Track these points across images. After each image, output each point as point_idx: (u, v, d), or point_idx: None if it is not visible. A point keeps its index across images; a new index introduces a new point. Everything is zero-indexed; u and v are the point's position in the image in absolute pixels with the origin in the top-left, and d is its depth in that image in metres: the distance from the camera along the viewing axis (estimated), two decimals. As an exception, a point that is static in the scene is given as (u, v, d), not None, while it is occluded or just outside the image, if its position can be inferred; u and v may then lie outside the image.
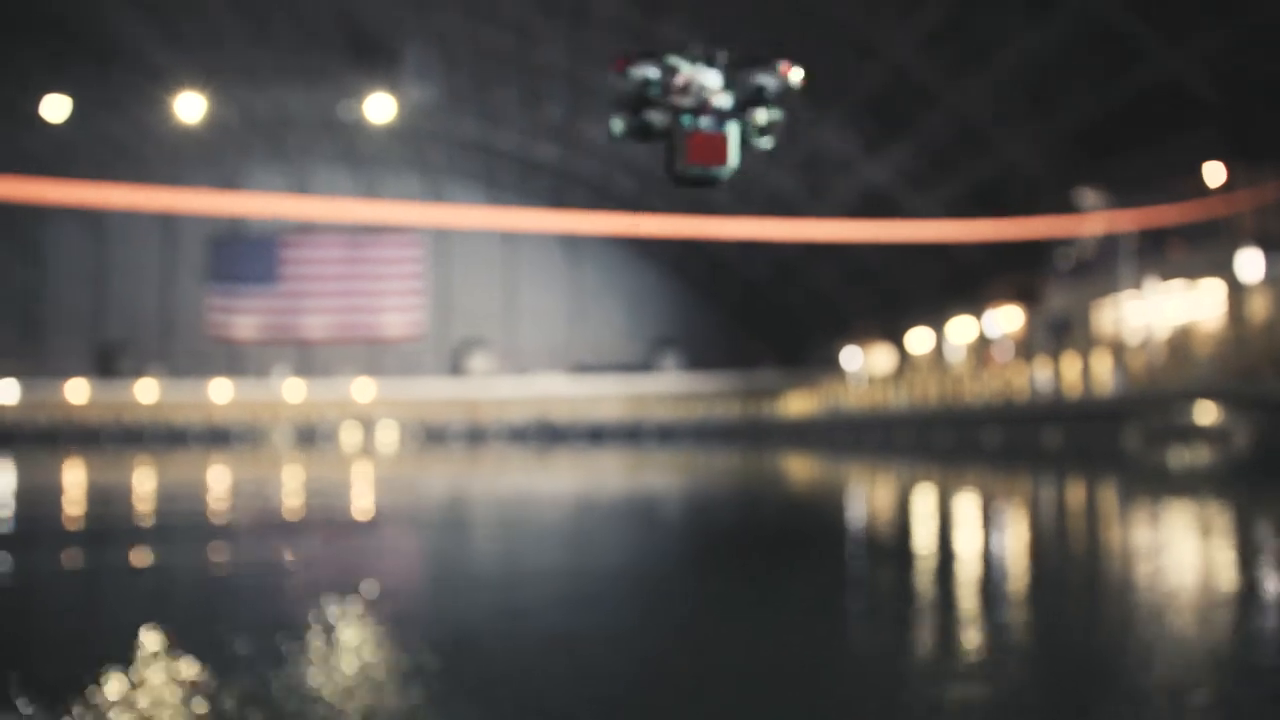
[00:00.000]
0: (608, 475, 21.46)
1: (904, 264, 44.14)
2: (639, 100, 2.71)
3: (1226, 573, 6.93)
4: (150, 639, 4.98)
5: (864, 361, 46.89)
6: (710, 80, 2.71)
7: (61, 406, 55.85)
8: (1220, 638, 4.89)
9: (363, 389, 58.64)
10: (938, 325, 42.48)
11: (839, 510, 13.03)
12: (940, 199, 37.87)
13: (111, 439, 51.65)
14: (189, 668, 4.35)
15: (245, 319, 58.03)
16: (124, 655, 4.54)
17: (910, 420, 34.86)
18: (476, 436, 54.08)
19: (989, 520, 10.65)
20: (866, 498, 14.52)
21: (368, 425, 55.77)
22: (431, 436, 54.21)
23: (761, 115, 2.72)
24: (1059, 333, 33.42)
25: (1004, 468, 20.58)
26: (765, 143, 2.72)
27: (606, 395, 59.18)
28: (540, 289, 65.59)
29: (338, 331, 58.54)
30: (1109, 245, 31.46)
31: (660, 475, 21.04)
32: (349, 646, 4.88)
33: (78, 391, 56.77)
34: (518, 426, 55.80)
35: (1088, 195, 30.72)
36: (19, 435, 51.51)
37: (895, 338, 46.41)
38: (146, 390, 57.24)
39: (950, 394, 34.44)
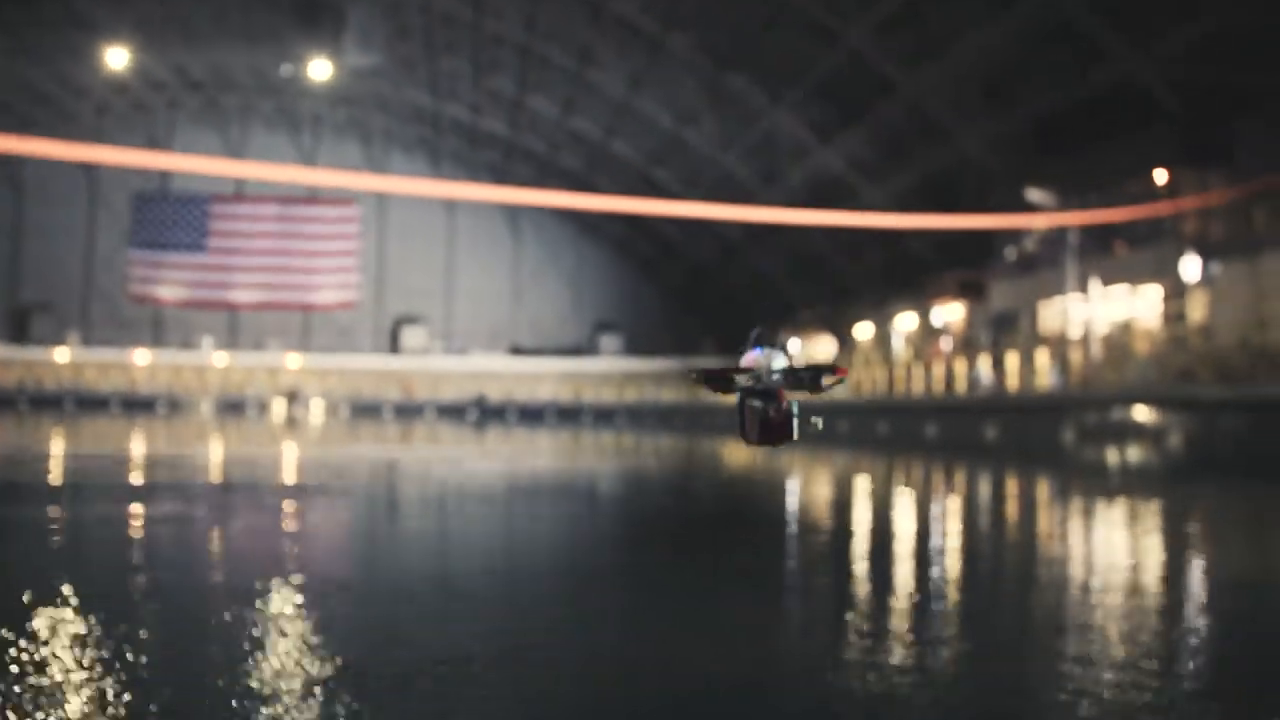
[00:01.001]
0: (539, 455, 20.90)
1: (850, 254, 43.97)
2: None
3: (1125, 560, 6.99)
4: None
5: (806, 350, 46.67)
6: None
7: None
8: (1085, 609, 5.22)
9: (293, 360, 57.11)
10: (881, 317, 42.39)
11: (766, 495, 12.57)
12: (891, 190, 37.67)
13: (27, 404, 49.54)
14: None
15: (170, 284, 55.75)
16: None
17: (851, 410, 34.69)
18: (411, 412, 52.96)
19: (911, 506, 10.54)
20: (797, 484, 14.08)
21: (298, 397, 54.29)
22: (364, 411, 52.99)
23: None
24: (1002, 329, 33.44)
25: (941, 459, 20.36)
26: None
27: (545, 374, 58.37)
28: (480, 268, 64.42)
29: (267, 297, 56.59)
30: (1055, 243, 31.50)
31: (593, 457, 20.53)
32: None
33: (-9, 352, 54.31)
34: (454, 403, 54.76)
35: (1037, 193, 30.69)
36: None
37: (838, 328, 46.26)
38: (64, 355, 54.91)
39: (892, 385, 34.30)
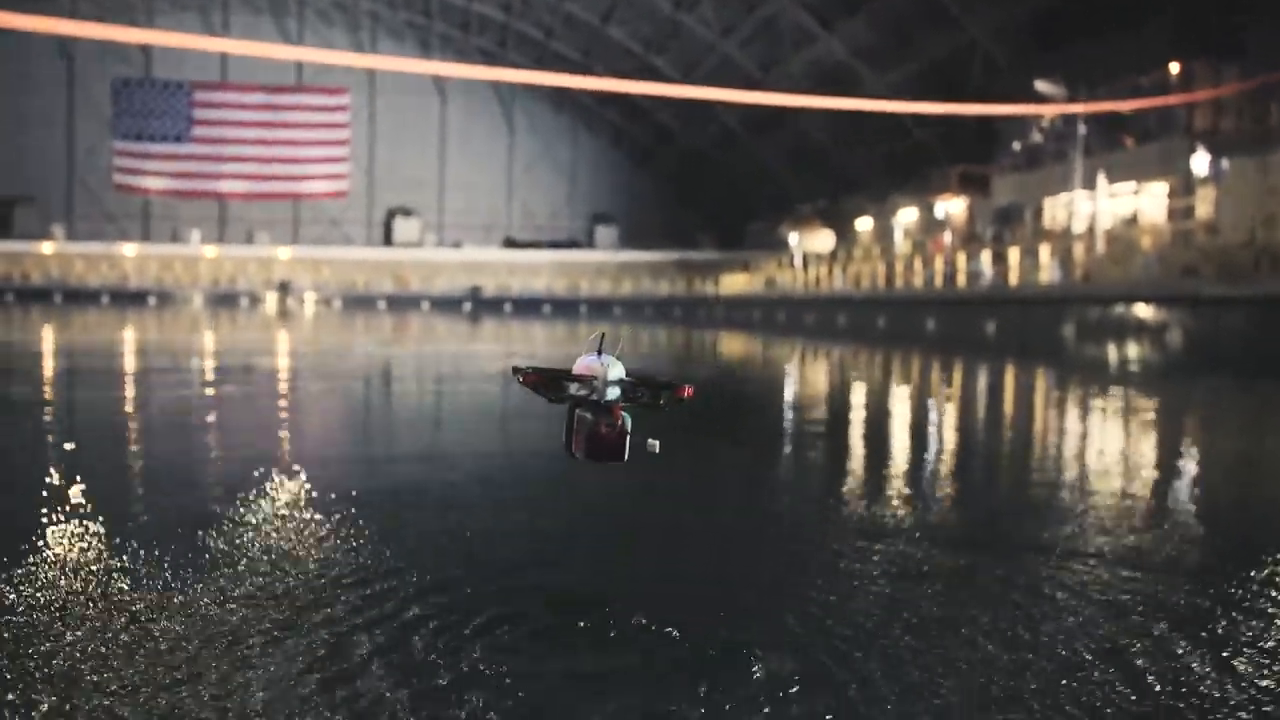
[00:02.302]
0: (535, 344, 20.72)
1: (852, 146, 43.18)
2: None
3: (1117, 445, 6.95)
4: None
5: (806, 243, 46.16)
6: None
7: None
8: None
9: (284, 252, 56.44)
10: (882, 211, 41.81)
11: (761, 385, 12.42)
12: (895, 79, 36.74)
13: (14, 297, 48.94)
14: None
15: (156, 175, 54.47)
16: None
17: (850, 303, 34.44)
18: (404, 304, 52.60)
19: (905, 395, 10.57)
20: (794, 374, 13.92)
21: (291, 289, 53.84)
22: (357, 303, 52.63)
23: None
24: (1004, 223, 33.01)
25: (939, 352, 20.18)
26: None
27: (540, 266, 57.86)
28: (473, 160, 63.28)
29: (256, 188, 55.44)
30: (1061, 137, 30.85)
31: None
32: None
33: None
34: (447, 295, 54.36)
35: (1045, 85, 29.90)
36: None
37: (837, 222, 45.69)
38: (50, 249, 53.98)
39: (891, 279, 33.99)
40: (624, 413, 2.28)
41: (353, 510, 3.91)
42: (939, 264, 31.59)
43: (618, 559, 3.53)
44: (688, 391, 2.35)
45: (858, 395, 10.59)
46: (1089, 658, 2.50)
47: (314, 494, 4.21)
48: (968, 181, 36.47)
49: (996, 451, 6.74)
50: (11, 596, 2.74)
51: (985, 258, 29.88)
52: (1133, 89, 27.86)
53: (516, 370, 2.34)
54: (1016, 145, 33.85)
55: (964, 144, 36.50)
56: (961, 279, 29.99)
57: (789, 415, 8.60)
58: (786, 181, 50.13)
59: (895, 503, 4.49)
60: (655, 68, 46.96)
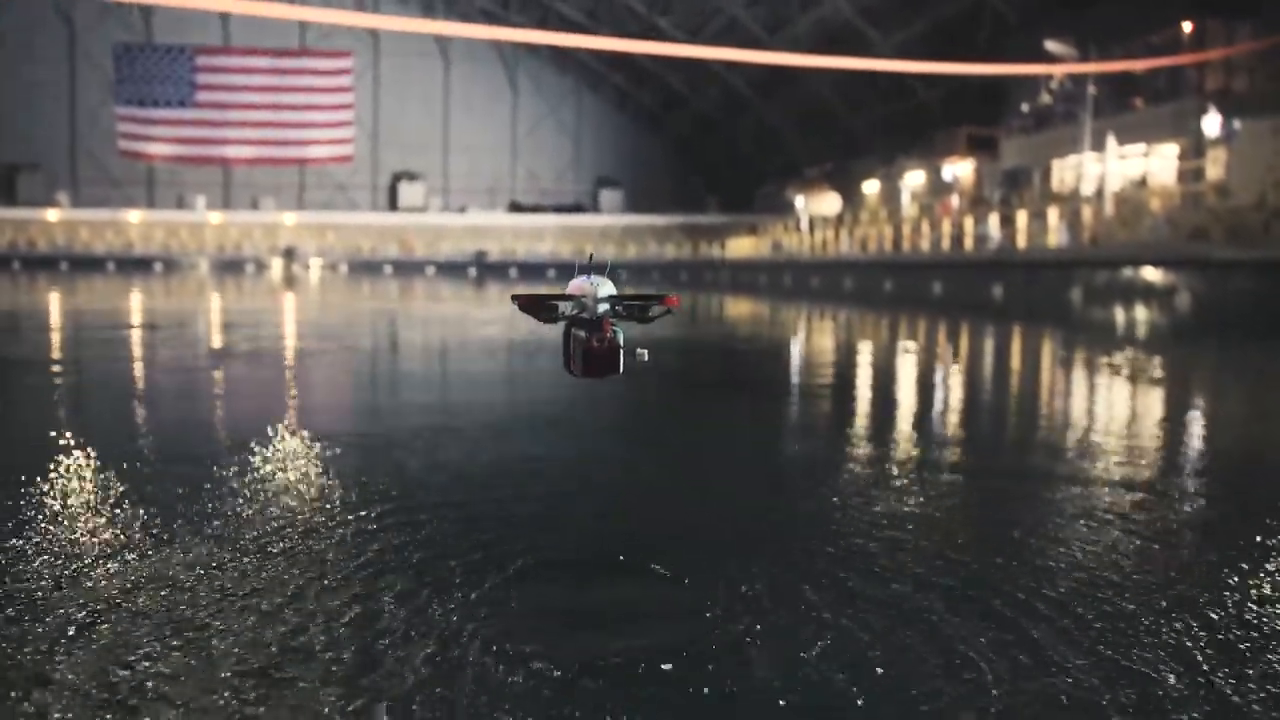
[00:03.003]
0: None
1: (859, 109, 42.83)
2: None
3: (1123, 405, 6.97)
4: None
5: (812, 206, 45.93)
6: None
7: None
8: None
9: (290, 218, 56.31)
10: (889, 174, 41.54)
11: (768, 347, 12.42)
12: (902, 39, 36.35)
13: (20, 264, 48.94)
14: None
15: (160, 141, 54.14)
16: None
17: (857, 267, 34.31)
18: (410, 269, 52.52)
19: (911, 357, 10.65)
20: (800, 337, 13.91)
21: (296, 255, 53.78)
22: (363, 268, 52.57)
23: None
24: (1012, 186, 32.77)
25: (946, 315, 20.13)
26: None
27: (545, 230, 57.65)
28: (477, 123, 62.88)
29: (261, 153, 55.12)
30: (1071, 98, 30.55)
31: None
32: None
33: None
34: (452, 259, 54.24)
35: (1056, 45, 29.56)
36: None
37: (845, 184, 45.43)
38: (55, 216, 53.92)
39: (898, 243, 33.83)
40: (614, 327, 2.38)
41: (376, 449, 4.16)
42: (946, 227, 31.42)
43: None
44: (674, 301, 2.44)
45: (864, 356, 10.61)
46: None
47: (332, 436, 4.29)
48: (975, 144, 36.18)
49: (1003, 408, 6.76)
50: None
51: (993, 221, 29.70)
52: (1144, 48, 27.54)
53: (514, 297, 2.44)
54: (1025, 107, 33.53)
55: (972, 106, 36.18)
56: (969, 242, 29.84)
57: (797, 379, 8.60)
58: (793, 145, 49.80)
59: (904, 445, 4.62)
60: (660, 29, 46.53)
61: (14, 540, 2.84)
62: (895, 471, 4.13)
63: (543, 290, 2.45)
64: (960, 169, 36.63)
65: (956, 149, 36.68)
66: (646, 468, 4.36)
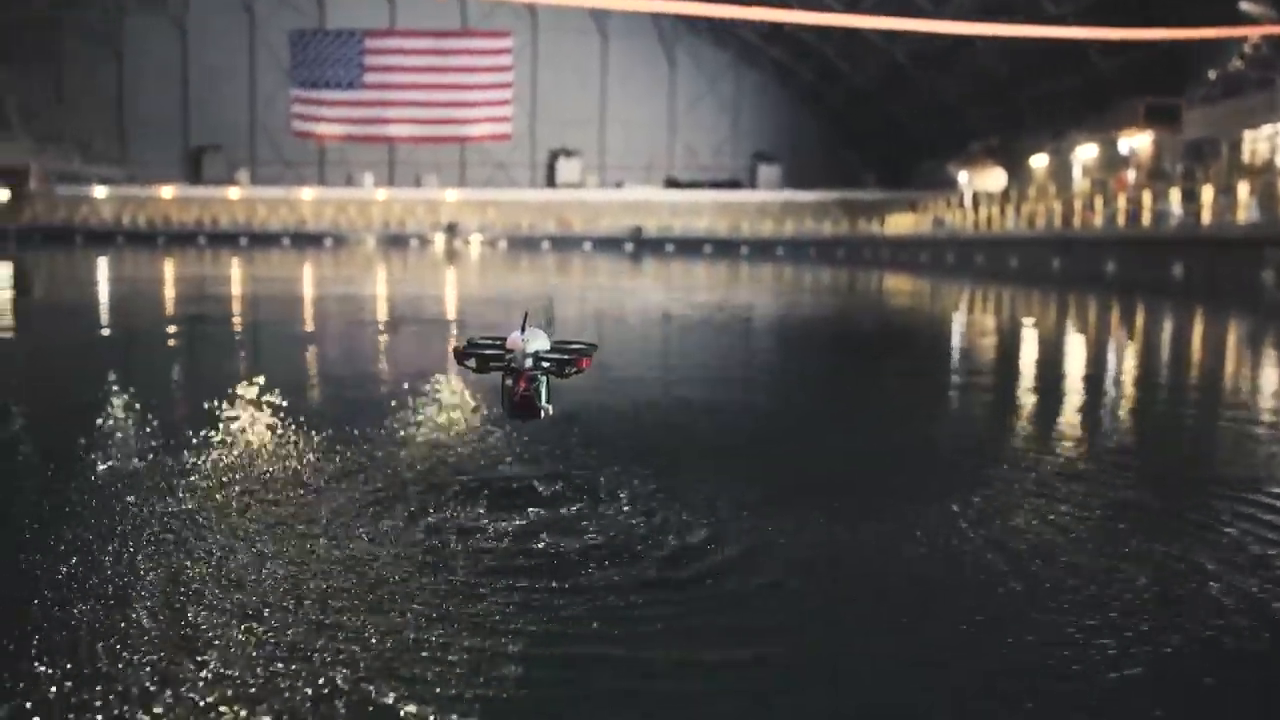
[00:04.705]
0: (696, 282, 20.73)
1: (1029, 79, 40.98)
2: None
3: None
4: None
5: (976, 182, 44.31)
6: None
7: (158, 208, 56.11)
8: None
9: (451, 195, 57.96)
10: (1060, 148, 39.64)
11: (926, 329, 12.05)
12: (1078, 5, 34.49)
13: (206, 240, 52.20)
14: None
15: (329, 121, 56.51)
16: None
17: (1022, 243, 32.96)
18: (567, 245, 53.28)
19: (1079, 341, 10.22)
20: (961, 318, 13.44)
21: (457, 231, 55.36)
22: (521, 244, 53.65)
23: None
24: (1196, 159, 30.77)
25: (1119, 296, 19.09)
26: None
27: (702, 206, 57.51)
28: (635, 99, 63.17)
29: (423, 132, 56.83)
30: (1265, 63, 28.40)
31: (764, 290, 20.25)
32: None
33: (170, 195, 56.97)
34: (609, 236, 54.72)
35: (1252, 4, 27.48)
36: (119, 235, 52.65)
37: (1010, 158, 43.62)
38: (236, 194, 57.26)
39: (1069, 219, 32.30)
40: (537, 377, 2.77)
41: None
42: (1121, 203, 29.78)
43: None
44: (585, 363, 2.80)
45: (1030, 343, 10.17)
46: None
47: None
48: (1155, 114, 34.06)
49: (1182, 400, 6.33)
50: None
51: (1174, 196, 27.97)
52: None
53: (454, 350, 2.88)
54: (1213, 74, 31.37)
55: (1152, 74, 34.06)
56: (1146, 218, 28.21)
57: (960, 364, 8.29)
58: (955, 119, 48.08)
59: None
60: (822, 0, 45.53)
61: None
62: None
63: (483, 341, 2.86)
64: (1137, 142, 34.61)
65: (1134, 120, 34.63)
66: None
